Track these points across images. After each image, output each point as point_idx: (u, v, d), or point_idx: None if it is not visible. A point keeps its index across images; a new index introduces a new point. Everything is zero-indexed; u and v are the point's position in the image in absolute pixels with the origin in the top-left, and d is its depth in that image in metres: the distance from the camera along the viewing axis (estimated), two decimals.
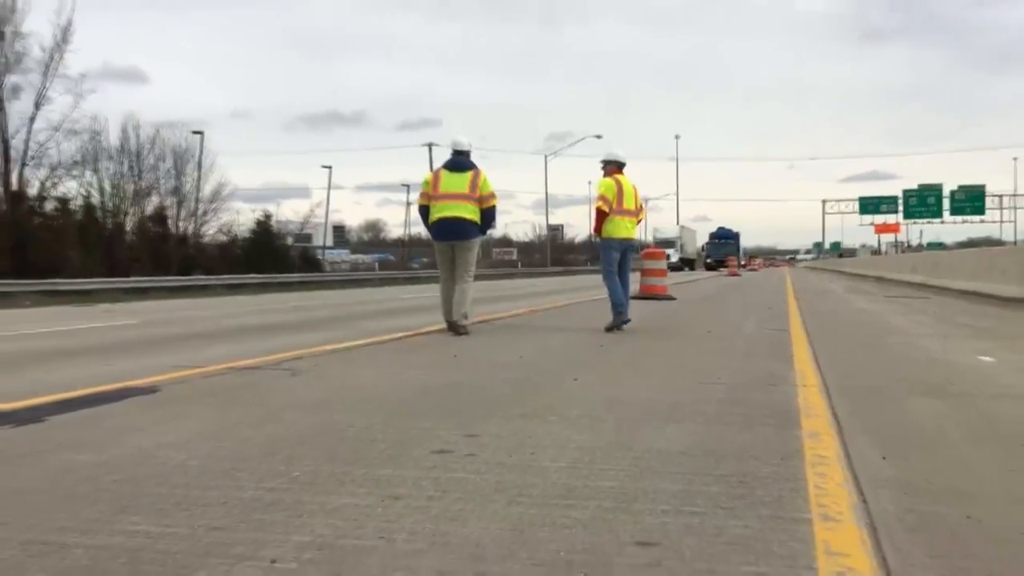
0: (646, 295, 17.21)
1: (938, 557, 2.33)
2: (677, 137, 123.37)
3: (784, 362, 6.72)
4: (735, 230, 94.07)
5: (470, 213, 9.35)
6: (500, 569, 2.23)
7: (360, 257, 76.91)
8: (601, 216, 9.83)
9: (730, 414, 4.48)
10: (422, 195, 9.61)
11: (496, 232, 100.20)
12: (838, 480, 3.12)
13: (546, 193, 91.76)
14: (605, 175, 10.04)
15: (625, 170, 10.21)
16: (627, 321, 9.71)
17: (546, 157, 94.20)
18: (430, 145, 59.66)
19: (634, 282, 11.15)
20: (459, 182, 9.37)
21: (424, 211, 9.57)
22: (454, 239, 9.39)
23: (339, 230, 79.87)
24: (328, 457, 3.51)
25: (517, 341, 8.76)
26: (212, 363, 6.72)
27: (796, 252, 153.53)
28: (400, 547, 2.40)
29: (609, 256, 9.94)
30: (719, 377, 5.88)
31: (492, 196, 9.53)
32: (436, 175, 9.53)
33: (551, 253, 79.05)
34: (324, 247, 61.92)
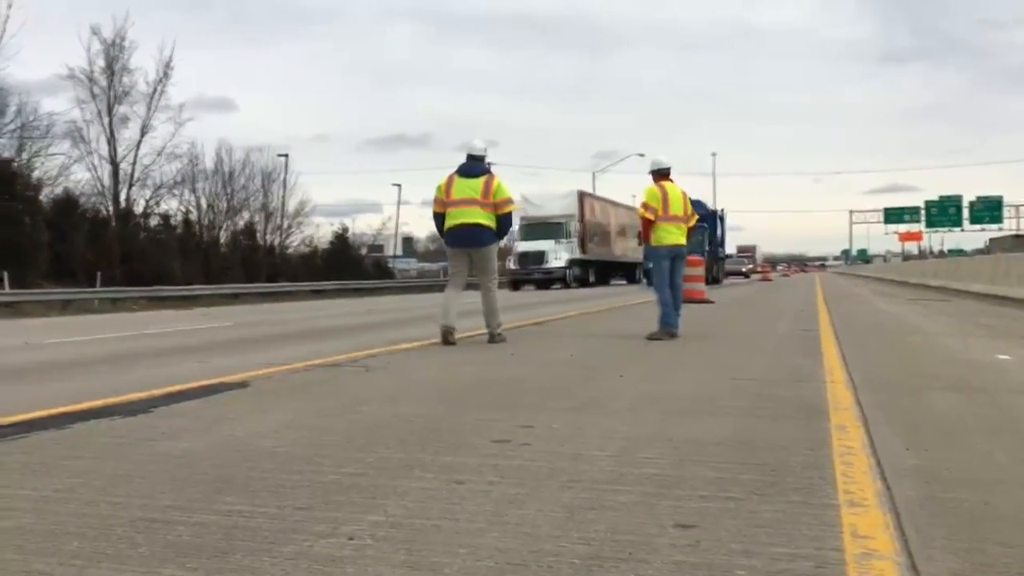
0: (684, 299, 17.06)
1: (957, 540, 2.28)
2: (714, 154, 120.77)
3: (813, 359, 6.62)
4: (712, 207, 40.75)
5: (485, 219, 8.30)
6: (553, 547, 2.23)
7: (426, 265, 77.21)
8: (647, 224, 8.96)
9: (763, 408, 4.43)
10: (436, 202, 8.55)
11: None
12: (864, 469, 3.07)
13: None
14: (654, 183, 9.11)
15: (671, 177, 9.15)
16: (674, 335, 8.65)
17: (594, 174, 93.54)
18: (489, 164, 59.89)
19: None
20: (472, 187, 8.32)
21: (439, 218, 8.54)
22: (469, 246, 8.39)
23: (408, 241, 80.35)
24: (399, 445, 3.55)
25: (567, 341, 8.75)
26: (296, 361, 6.82)
27: (825, 259, 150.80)
28: (463, 526, 2.42)
29: (660, 265, 9.00)
30: (753, 374, 5.81)
31: (508, 202, 8.49)
32: (449, 181, 8.46)
33: None
34: (394, 256, 62.48)
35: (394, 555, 2.18)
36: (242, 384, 5.45)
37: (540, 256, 33.55)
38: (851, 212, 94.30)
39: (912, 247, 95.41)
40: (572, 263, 35.17)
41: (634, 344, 8.16)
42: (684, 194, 9.25)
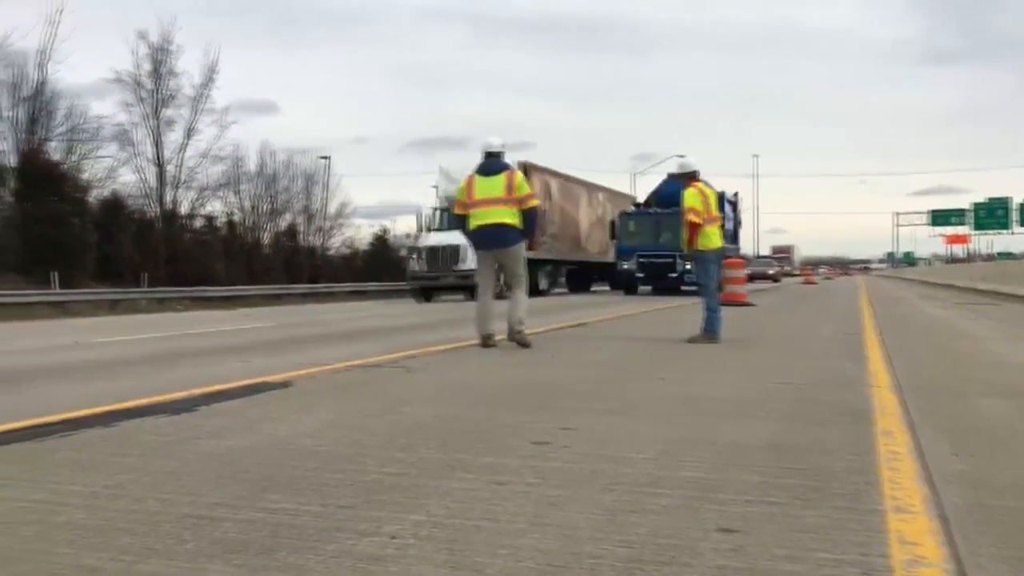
0: (726, 302, 16.89)
1: (1006, 547, 2.24)
2: (756, 156, 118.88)
3: (858, 363, 6.53)
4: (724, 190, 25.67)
5: (510, 217, 8.06)
6: (594, 549, 2.23)
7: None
8: (694, 228, 8.63)
9: (806, 412, 4.38)
10: (457, 204, 8.41)
11: None
12: (910, 474, 3.02)
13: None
14: (684, 186, 8.79)
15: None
16: (716, 341, 8.35)
17: (633, 175, 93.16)
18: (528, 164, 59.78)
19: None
20: (494, 186, 8.09)
21: (462, 221, 8.38)
22: (496, 247, 8.14)
23: None
24: (440, 446, 3.56)
25: (606, 343, 8.73)
26: (337, 361, 6.88)
27: (869, 262, 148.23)
28: (504, 527, 2.43)
29: (709, 269, 8.78)
30: (796, 377, 5.75)
31: (531, 197, 8.24)
32: (469, 181, 8.26)
33: None
34: None
35: (436, 555, 2.19)
36: (284, 384, 5.51)
37: (455, 253, 22.75)
38: (896, 214, 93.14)
39: (959, 250, 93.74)
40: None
41: (673, 347, 8.11)
42: (716, 195, 9.13)
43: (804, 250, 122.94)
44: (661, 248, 25.45)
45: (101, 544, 2.29)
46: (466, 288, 21.71)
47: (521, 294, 8.20)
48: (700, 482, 2.93)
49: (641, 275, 26.39)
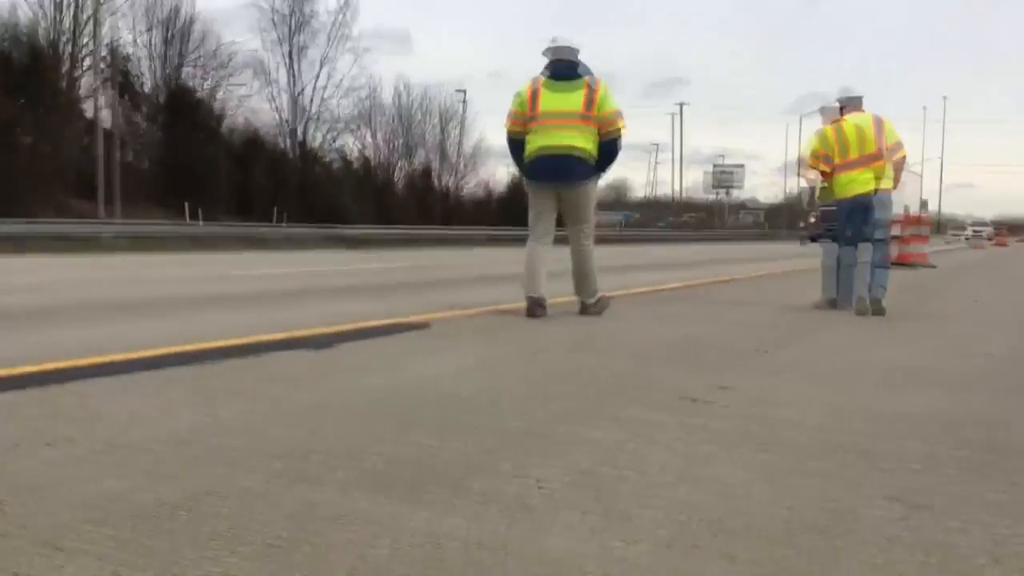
0: (904, 263, 16.25)
1: None
2: (945, 98, 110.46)
3: None
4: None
5: (584, 142, 6.30)
6: (749, 507, 2.27)
7: (606, 215, 76.77)
8: (822, 177, 7.46)
9: (988, 385, 4.24)
10: (512, 118, 6.52)
11: (742, 194, 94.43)
12: None
13: (796, 157, 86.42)
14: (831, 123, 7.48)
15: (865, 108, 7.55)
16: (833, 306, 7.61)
17: (801, 117, 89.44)
18: (681, 105, 58.73)
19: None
20: (568, 99, 6.29)
21: (515, 144, 6.57)
22: (558, 179, 6.43)
23: None
24: (581, 395, 3.66)
25: (762, 299, 8.59)
26: (475, 306, 7.07)
27: None
28: (652, 479, 2.49)
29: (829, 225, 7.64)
30: (982, 348, 5.54)
31: (617, 116, 6.40)
32: (534, 90, 6.40)
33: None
34: None
35: (583, 502, 2.29)
36: (422, 325, 5.72)
37: None
38: None
39: None
40: None
41: (836, 312, 7.89)
42: (876, 123, 7.36)
43: (998, 207, 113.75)
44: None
45: (257, 467, 2.50)
46: None
47: (587, 250, 6.73)
48: (862, 449, 2.90)
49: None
